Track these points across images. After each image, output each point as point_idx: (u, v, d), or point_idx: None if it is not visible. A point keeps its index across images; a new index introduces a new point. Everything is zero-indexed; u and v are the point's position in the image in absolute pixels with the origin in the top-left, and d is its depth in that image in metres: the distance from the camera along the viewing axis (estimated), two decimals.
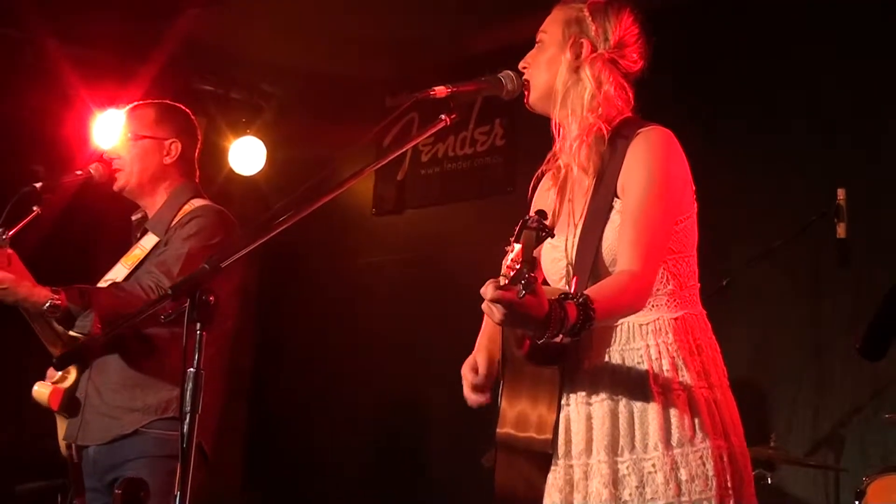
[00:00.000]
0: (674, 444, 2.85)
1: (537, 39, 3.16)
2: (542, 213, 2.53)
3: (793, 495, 5.41)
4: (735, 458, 2.90)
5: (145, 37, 6.70)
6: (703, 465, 2.85)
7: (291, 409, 7.71)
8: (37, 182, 4.25)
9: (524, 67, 3.15)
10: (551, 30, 3.13)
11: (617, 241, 2.93)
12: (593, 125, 3.03)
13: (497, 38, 6.67)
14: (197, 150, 4.56)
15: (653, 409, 2.88)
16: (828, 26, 5.74)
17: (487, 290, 2.57)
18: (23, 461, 6.42)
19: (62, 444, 4.30)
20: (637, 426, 2.89)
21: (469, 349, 6.84)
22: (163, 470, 3.97)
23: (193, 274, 2.78)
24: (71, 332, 4.08)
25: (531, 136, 6.94)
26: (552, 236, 2.55)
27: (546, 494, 2.98)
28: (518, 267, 2.50)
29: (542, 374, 2.96)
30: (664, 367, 2.90)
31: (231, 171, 7.36)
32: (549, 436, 2.95)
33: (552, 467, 2.98)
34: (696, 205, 3.06)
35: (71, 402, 4.22)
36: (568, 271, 3.04)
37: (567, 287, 3.00)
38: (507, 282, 2.53)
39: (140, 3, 6.49)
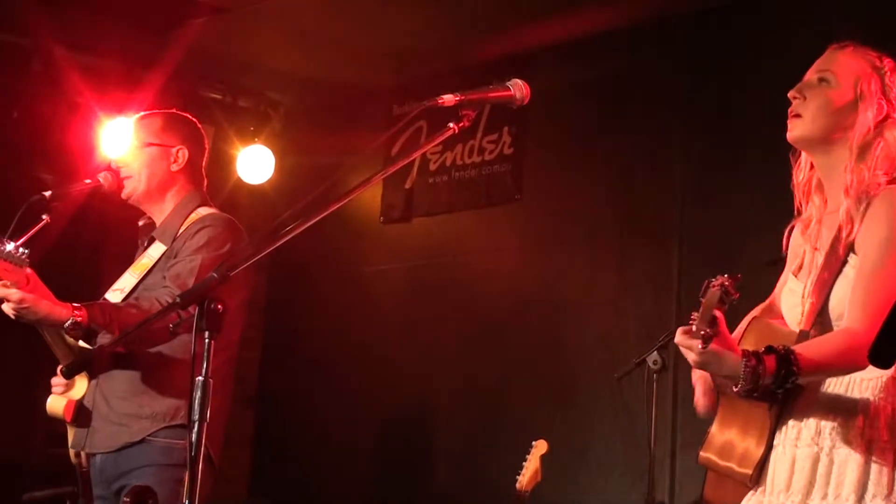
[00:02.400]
0: (867, 499, 2.85)
1: (819, 77, 3.10)
2: (734, 277, 2.64)
3: None
4: None
5: (153, 45, 6.71)
6: None
7: (299, 417, 7.71)
8: (45, 191, 4.25)
9: (795, 97, 3.11)
10: (842, 73, 3.07)
11: (846, 297, 2.94)
12: (878, 183, 2.99)
13: (505, 46, 6.69)
14: (205, 159, 4.56)
15: (854, 462, 2.88)
16: (830, 27, 5.73)
17: (676, 334, 2.72)
18: (30, 469, 6.42)
19: (71, 451, 4.30)
20: (834, 475, 2.90)
21: (477, 355, 6.87)
22: (170, 478, 3.97)
23: (202, 282, 2.78)
24: (81, 344, 4.08)
25: (539, 145, 6.99)
26: (734, 301, 2.64)
27: None
28: (696, 325, 2.65)
29: (756, 411, 3.01)
30: (876, 425, 2.90)
31: (239, 179, 7.36)
32: (749, 471, 3.00)
33: (750, 493, 3.05)
34: None
35: (82, 412, 4.21)
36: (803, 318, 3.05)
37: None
38: (693, 331, 2.67)
39: (148, 11, 6.50)
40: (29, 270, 3.91)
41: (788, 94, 3.14)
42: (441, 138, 3.05)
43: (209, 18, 6.55)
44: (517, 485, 5.12)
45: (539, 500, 5.26)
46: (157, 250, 4.34)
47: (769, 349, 2.77)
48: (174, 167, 4.41)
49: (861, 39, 3.19)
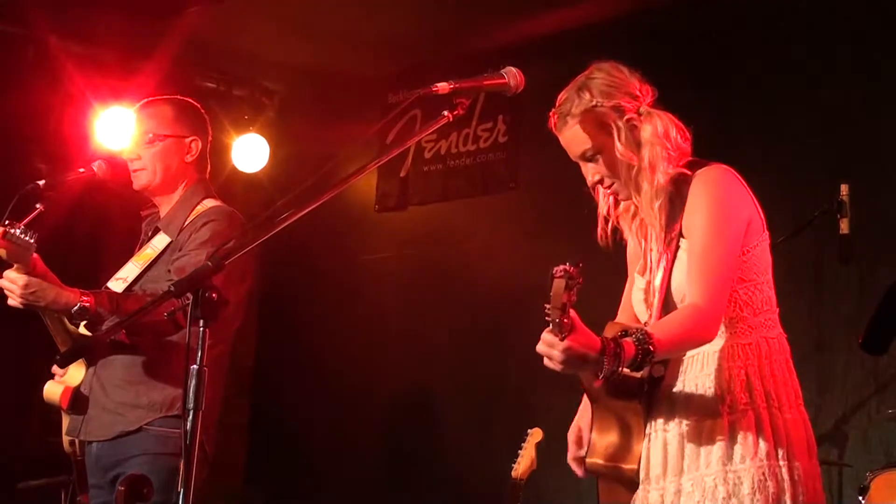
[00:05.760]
0: (736, 461, 2.98)
1: (584, 158, 3.22)
2: (574, 263, 2.71)
3: None
4: (798, 481, 3.00)
5: (148, 34, 6.70)
6: (765, 480, 2.96)
7: (293, 406, 7.72)
8: (39, 180, 4.23)
9: (598, 182, 3.23)
10: (595, 141, 3.18)
11: (685, 278, 3.07)
12: (669, 175, 3.14)
13: (500, 34, 6.68)
14: (209, 146, 4.52)
15: (719, 429, 3.01)
16: (828, 22, 5.74)
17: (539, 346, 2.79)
18: (25, 458, 6.43)
19: (65, 439, 4.29)
20: (703, 446, 3.02)
21: (472, 344, 6.88)
22: (165, 467, 3.96)
23: (196, 271, 2.78)
24: (81, 331, 4.07)
25: (534, 133, 6.99)
26: (579, 284, 2.70)
27: None
28: (549, 315, 2.71)
29: (627, 407, 3.12)
30: (733, 391, 3.03)
31: (234, 168, 7.36)
32: (634, 466, 3.12)
33: (637, 490, 3.14)
34: (766, 232, 3.18)
35: (79, 399, 4.20)
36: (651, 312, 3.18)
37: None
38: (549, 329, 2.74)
39: (142, 0, 6.50)
40: (35, 256, 3.89)
41: (591, 184, 3.27)
42: (435, 126, 3.06)
43: (204, 7, 6.54)
44: (513, 472, 5.13)
45: (535, 487, 5.27)
46: (161, 241, 4.31)
47: (625, 333, 2.89)
48: (188, 158, 4.36)
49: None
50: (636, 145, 3.14)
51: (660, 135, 3.14)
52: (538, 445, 5.18)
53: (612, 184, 3.21)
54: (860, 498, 4.66)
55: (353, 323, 7.50)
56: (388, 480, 7.11)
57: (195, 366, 2.72)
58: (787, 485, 2.97)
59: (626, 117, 3.15)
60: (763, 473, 2.95)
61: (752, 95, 5.94)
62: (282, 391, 7.87)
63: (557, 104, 3.24)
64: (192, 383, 2.72)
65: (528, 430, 5.23)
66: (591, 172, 3.22)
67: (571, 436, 3.41)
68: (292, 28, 6.92)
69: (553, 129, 3.27)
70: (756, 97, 5.93)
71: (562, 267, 2.69)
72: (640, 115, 3.16)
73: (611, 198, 3.30)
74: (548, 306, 2.71)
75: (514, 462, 5.16)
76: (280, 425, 7.79)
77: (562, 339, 2.73)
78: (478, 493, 6.29)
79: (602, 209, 3.34)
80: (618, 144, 3.14)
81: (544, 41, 6.58)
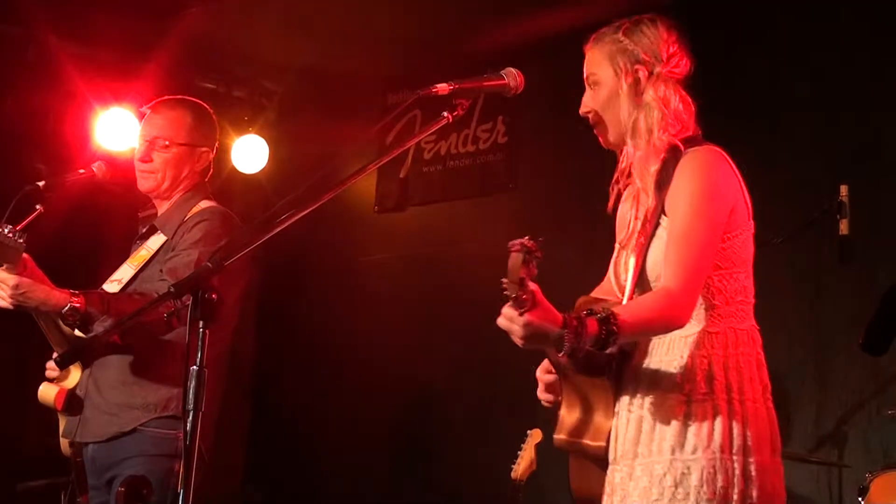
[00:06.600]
0: (688, 451, 2.94)
1: (588, 82, 3.22)
2: (532, 238, 2.70)
3: (796, 492, 5.40)
4: (751, 477, 2.95)
5: (147, 35, 6.70)
6: (715, 473, 2.92)
7: (293, 407, 7.72)
8: (39, 180, 4.23)
9: (587, 112, 3.22)
10: (600, 70, 3.19)
11: (661, 257, 3.02)
12: (667, 143, 3.11)
13: (500, 35, 6.68)
14: (215, 152, 4.52)
15: (675, 416, 2.96)
16: (828, 21, 5.74)
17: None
18: (24, 459, 6.43)
19: (63, 441, 4.29)
20: (657, 432, 2.98)
21: (472, 344, 6.88)
22: (160, 468, 3.97)
23: (196, 272, 2.78)
24: (77, 333, 4.07)
25: (533, 134, 6.99)
26: (538, 258, 2.69)
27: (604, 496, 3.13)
28: (506, 290, 2.67)
29: (595, 384, 3.08)
30: (695, 380, 2.98)
31: (233, 169, 7.35)
32: (602, 443, 3.08)
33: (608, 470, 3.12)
34: (751, 222, 3.13)
35: (73, 401, 4.20)
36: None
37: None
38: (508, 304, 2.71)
39: (142, 1, 6.50)
40: (25, 256, 3.89)
41: (580, 112, 3.24)
42: (435, 127, 3.07)
43: (204, 7, 6.55)
44: (512, 474, 5.14)
45: (534, 489, 5.27)
46: (156, 241, 4.32)
47: (590, 312, 2.84)
48: (197, 167, 4.38)
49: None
50: (635, 98, 3.15)
51: (659, 99, 3.13)
52: (538, 446, 5.19)
53: (598, 122, 3.21)
54: (860, 499, 4.66)
55: (352, 324, 7.50)
56: (389, 480, 7.11)
57: (195, 367, 2.72)
58: (737, 480, 2.92)
59: (635, 67, 3.16)
60: (713, 466, 2.91)
61: (751, 95, 5.94)
62: (281, 392, 7.87)
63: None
64: (192, 384, 2.72)
65: (528, 431, 5.23)
66: (586, 102, 3.22)
67: (541, 370, 3.30)
68: (292, 28, 6.92)
69: (585, 49, 3.28)
70: (756, 97, 5.93)
71: (518, 241, 2.68)
72: (651, 74, 3.16)
73: (623, 165, 3.28)
74: (505, 281, 2.68)
75: (514, 463, 5.16)
76: (280, 425, 7.79)
77: (521, 315, 2.70)
78: (478, 494, 6.30)
79: (616, 174, 3.31)
80: (623, 85, 3.14)
81: (544, 42, 6.57)
